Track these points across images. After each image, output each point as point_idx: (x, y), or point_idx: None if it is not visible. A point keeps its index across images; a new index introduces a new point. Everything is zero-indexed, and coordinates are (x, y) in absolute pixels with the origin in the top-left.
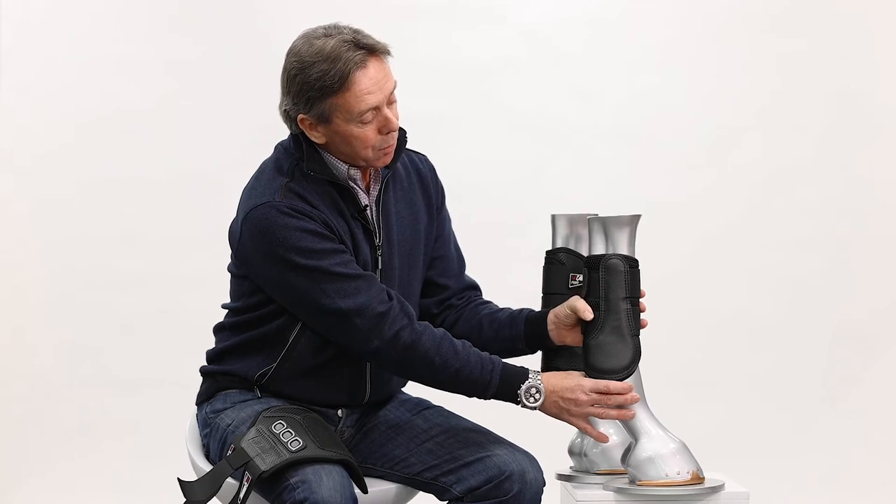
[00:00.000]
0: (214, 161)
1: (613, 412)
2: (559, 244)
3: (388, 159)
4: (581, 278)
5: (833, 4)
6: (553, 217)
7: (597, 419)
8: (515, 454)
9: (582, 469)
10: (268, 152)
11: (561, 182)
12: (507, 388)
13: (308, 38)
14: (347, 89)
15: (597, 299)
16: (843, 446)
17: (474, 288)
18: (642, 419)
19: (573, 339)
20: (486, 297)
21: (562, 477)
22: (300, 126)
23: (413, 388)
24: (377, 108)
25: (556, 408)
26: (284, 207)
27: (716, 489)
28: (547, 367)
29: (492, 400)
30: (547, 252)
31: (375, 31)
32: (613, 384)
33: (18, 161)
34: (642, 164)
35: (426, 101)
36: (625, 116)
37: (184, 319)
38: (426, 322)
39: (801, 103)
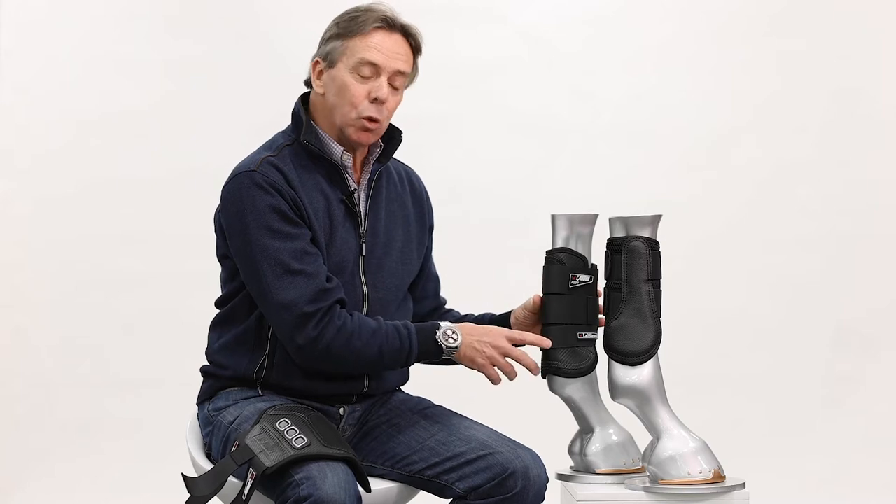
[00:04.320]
0: (214, 161)
1: (513, 371)
2: (559, 244)
3: (368, 138)
4: (582, 278)
5: (833, 4)
6: (553, 217)
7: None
8: (518, 451)
9: (582, 469)
10: None
11: (561, 182)
12: (426, 342)
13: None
14: (362, 37)
15: (619, 281)
16: (843, 446)
17: (444, 304)
18: (663, 418)
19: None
20: (486, 296)
21: (562, 477)
22: (312, 72)
23: (414, 389)
24: (376, 69)
25: (471, 350)
26: (258, 178)
27: (737, 488)
28: (548, 365)
29: (416, 364)
30: (547, 252)
31: None
32: (530, 336)
33: (18, 161)
34: (642, 164)
35: (426, 101)
36: (625, 116)
37: (184, 319)
38: (343, 312)
39: (801, 103)
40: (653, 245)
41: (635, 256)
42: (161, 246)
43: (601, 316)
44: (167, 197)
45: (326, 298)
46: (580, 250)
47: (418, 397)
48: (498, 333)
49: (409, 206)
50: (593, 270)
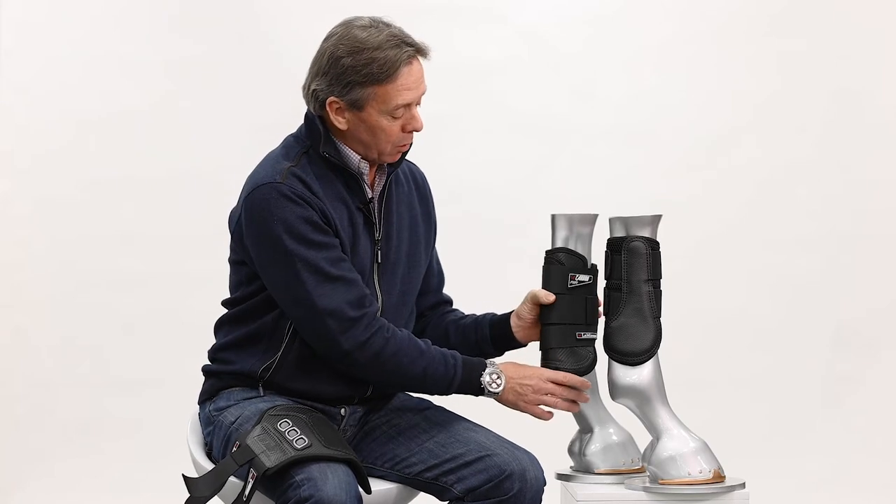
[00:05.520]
0: (214, 161)
1: (564, 404)
2: (559, 244)
3: (396, 158)
4: (581, 278)
5: (833, 4)
6: (553, 217)
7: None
8: (516, 453)
9: (581, 469)
10: (268, 152)
11: (561, 182)
12: (469, 377)
13: (353, 26)
14: (392, 81)
15: (619, 281)
16: (843, 446)
17: (448, 302)
18: (663, 418)
19: (538, 335)
20: (486, 296)
21: (561, 476)
22: (327, 108)
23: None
24: (408, 106)
25: (513, 394)
26: (286, 190)
27: (737, 488)
28: (546, 364)
29: (454, 394)
30: (547, 252)
31: None
32: (572, 377)
33: (18, 161)
34: (642, 164)
35: (426, 102)
36: (625, 116)
37: (184, 319)
38: (391, 325)
39: (801, 103)
40: (653, 245)
41: (635, 256)
42: (161, 246)
43: (602, 317)
44: (167, 197)
45: (368, 304)
46: (580, 250)
47: (419, 398)
48: (539, 376)
49: (417, 206)
50: (593, 270)
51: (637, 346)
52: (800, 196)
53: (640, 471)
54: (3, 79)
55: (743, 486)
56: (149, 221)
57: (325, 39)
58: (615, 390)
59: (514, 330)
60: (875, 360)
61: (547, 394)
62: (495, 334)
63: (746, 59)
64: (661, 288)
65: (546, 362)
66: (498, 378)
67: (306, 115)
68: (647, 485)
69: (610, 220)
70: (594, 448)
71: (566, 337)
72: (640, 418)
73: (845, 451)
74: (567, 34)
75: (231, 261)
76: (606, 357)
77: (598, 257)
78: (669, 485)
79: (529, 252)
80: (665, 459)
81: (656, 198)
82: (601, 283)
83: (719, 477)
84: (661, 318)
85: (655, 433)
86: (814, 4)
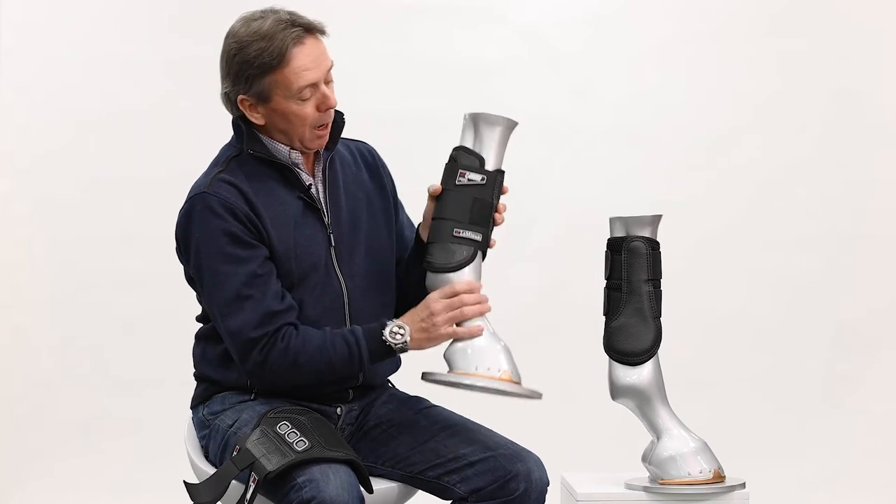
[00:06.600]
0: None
1: (472, 309)
2: (462, 143)
3: (323, 142)
4: (471, 176)
5: (833, 4)
6: (465, 116)
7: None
8: (521, 454)
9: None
10: None
11: (561, 182)
12: (375, 344)
13: (245, 20)
14: (286, 65)
15: (619, 281)
16: (843, 446)
17: None
18: (663, 418)
19: None
20: (487, 297)
21: (426, 376)
22: (241, 108)
23: (414, 389)
24: (315, 85)
25: (422, 333)
26: (211, 201)
27: (737, 488)
28: (423, 259)
29: (371, 365)
30: (454, 148)
31: (375, 31)
32: (458, 285)
33: (18, 161)
34: (642, 164)
35: (427, 102)
36: (625, 116)
37: (184, 319)
38: (289, 331)
39: (801, 103)
40: (653, 245)
41: (635, 256)
42: (161, 246)
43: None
44: (167, 197)
45: (274, 322)
46: (483, 153)
47: (416, 396)
48: (431, 301)
49: (368, 182)
50: (490, 174)
51: (637, 346)
52: (800, 196)
53: (505, 380)
54: (3, 79)
55: (743, 486)
56: (149, 221)
57: (224, 39)
58: (615, 390)
59: (420, 231)
60: (875, 360)
61: (452, 309)
62: (416, 247)
63: (746, 59)
64: (661, 288)
65: (422, 257)
66: (399, 328)
67: (232, 120)
68: (647, 485)
69: (610, 220)
70: (454, 348)
71: (442, 232)
72: (640, 418)
73: (845, 451)
74: (567, 34)
75: (186, 279)
76: (607, 357)
77: (597, 255)
78: (669, 485)
79: (529, 252)
80: (665, 459)
81: (656, 198)
82: (602, 282)
83: (719, 477)
84: (661, 318)
85: (655, 433)
86: (814, 4)
